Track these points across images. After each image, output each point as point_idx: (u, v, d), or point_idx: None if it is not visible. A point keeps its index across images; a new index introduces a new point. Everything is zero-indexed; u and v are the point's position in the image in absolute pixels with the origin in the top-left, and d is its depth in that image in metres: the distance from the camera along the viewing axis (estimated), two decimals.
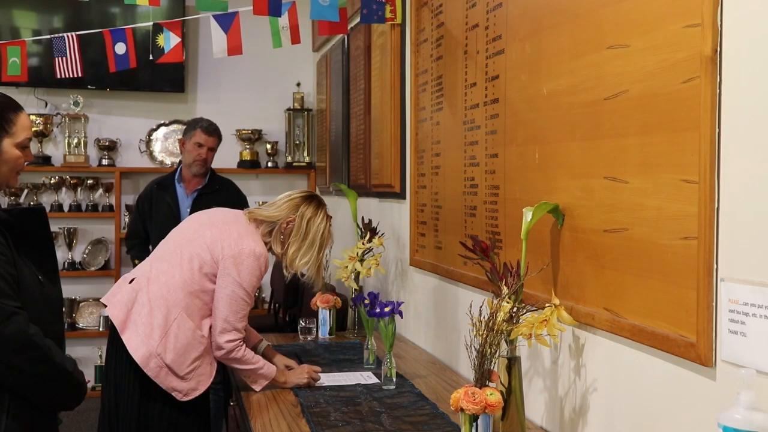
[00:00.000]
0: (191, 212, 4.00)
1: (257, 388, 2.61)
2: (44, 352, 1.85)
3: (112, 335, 2.57)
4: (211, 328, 2.55)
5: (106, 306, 2.58)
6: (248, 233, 2.62)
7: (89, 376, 5.38)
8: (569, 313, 1.93)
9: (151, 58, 3.69)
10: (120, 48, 3.69)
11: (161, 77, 5.63)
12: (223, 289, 2.53)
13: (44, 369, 1.87)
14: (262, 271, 2.59)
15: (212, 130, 4.12)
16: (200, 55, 5.85)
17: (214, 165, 5.77)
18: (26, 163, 2.05)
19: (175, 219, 4.05)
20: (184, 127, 4.35)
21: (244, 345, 2.59)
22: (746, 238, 1.43)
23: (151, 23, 3.75)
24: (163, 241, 2.74)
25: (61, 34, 3.84)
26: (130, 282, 2.59)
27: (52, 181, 5.56)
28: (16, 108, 1.99)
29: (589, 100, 1.93)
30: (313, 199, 2.76)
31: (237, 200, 4.09)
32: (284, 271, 2.76)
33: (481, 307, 2.01)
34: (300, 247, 2.68)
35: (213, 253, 2.55)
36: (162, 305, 2.49)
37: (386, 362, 2.61)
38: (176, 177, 4.19)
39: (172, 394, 2.48)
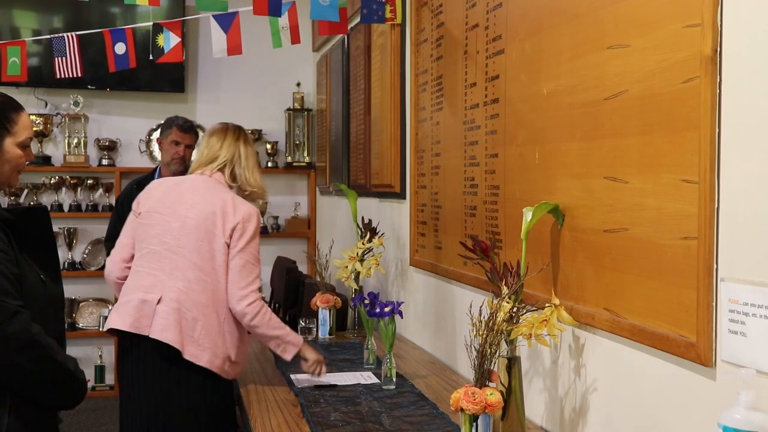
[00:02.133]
0: None
1: (288, 356, 2.67)
2: (46, 351, 1.84)
3: (133, 342, 2.55)
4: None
5: (118, 330, 2.55)
6: (228, 197, 2.67)
7: (89, 375, 5.37)
8: (569, 313, 1.93)
9: (151, 58, 3.69)
10: (120, 48, 3.70)
11: (161, 77, 5.63)
12: (234, 262, 2.58)
13: (46, 368, 1.86)
14: (260, 224, 2.70)
15: (188, 128, 4.10)
16: (200, 55, 5.85)
17: None
18: (27, 163, 2.05)
19: None
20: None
21: (267, 306, 2.62)
22: (746, 238, 1.43)
23: (151, 23, 3.75)
24: (154, 252, 2.63)
25: (61, 34, 3.84)
26: (158, 303, 2.52)
27: (52, 181, 5.56)
28: (18, 108, 2.01)
29: (589, 100, 1.93)
30: (231, 126, 2.87)
31: None
32: (249, 198, 2.82)
33: (481, 307, 2.01)
34: (253, 169, 2.80)
35: (218, 240, 2.58)
36: (210, 313, 2.54)
37: (386, 362, 2.62)
38: (156, 176, 4.18)
39: (230, 378, 2.62)
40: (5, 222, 1.91)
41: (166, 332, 2.48)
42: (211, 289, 2.55)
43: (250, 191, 2.78)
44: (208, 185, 2.71)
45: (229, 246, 2.58)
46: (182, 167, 4.09)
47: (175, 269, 2.57)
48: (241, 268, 2.56)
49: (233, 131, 2.83)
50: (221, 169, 2.74)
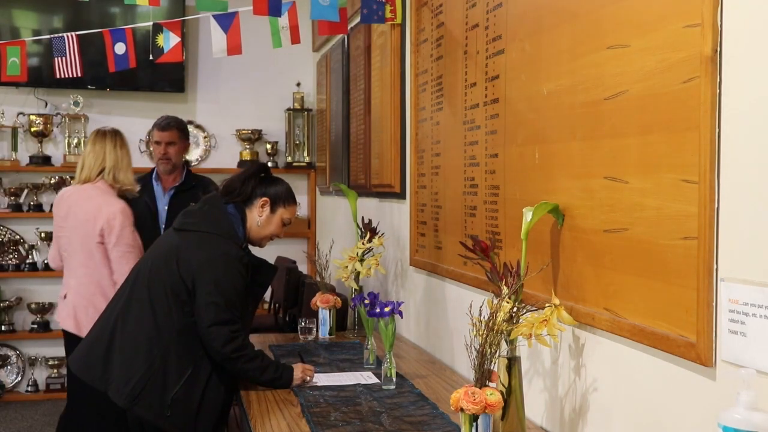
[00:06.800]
0: (168, 209, 3.99)
1: None
2: (254, 353, 2.61)
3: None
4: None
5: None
6: (100, 201, 3.48)
7: None
8: (569, 313, 1.93)
9: (150, 58, 3.69)
10: (120, 48, 3.70)
11: (161, 77, 5.63)
12: (112, 255, 3.49)
13: (255, 365, 2.61)
14: (128, 217, 3.51)
15: (166, 125, 4.05)
16: (200, 55, 5.85)
17: (215, 165, 5.84)
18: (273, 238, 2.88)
19: (153, 217, 4.03)
20: None
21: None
22: (746, 238, 1.43)
23: (151, 23, 3.75)
24: (65, 257, 3.57)
25: (61, 34, 3.84)
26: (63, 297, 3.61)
27: (52, 181, 5.56)
28: (295, 200, 2.87)
29: (589, 100, 1.93)
30: (110, 134, 3.60)
31: None
32: (125, 193, 3.58)
33: (481, 307, 2.01)
34: (127, 169, 3.63)
35: (92, 241, 3.44)
36: (99, 300, 3.35)
37: (386, 362, 2.61)
38: (153, 176, 4.18)
39: None
40: (251, 265, 2.67)
41: (66, 320, 3.45)
42: (95, 281, 3.40)
43: (127, 188, 3.54)
44: (88, 193, 3.48)
45: (103, 244, 3.39)
46: (169, 166, 4.06)
47: (68, 270, 3.51)
48: (119, 258, 3.38)
49: (111, 138, 3.54)
50: (104, 175, 3.49)
